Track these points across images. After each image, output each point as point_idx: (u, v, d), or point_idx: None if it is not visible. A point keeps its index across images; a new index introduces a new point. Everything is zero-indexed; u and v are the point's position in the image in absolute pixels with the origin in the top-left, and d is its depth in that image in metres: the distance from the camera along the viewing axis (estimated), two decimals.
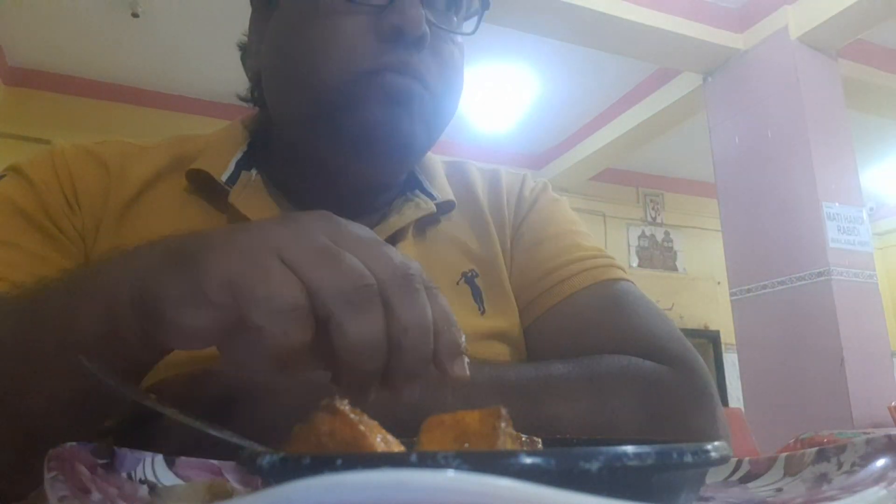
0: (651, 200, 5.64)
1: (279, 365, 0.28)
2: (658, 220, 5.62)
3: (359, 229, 0.31)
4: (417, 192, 0.63)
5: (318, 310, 0.28)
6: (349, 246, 0.30)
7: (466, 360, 0.31)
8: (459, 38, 0.59)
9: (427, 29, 0.53)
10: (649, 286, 5.27)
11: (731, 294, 3.31)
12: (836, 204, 2.99)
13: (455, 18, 0.58)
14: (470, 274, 0.61)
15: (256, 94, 0.64)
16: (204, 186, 0.58)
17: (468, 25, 0.61)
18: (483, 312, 0.60)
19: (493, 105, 4.32)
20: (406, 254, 0.32)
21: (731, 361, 5.00)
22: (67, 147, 0.60)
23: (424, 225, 0.63)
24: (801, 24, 3.15)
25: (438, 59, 0.56)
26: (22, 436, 0.37)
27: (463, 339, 0.31)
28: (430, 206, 0.62)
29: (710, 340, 5.37)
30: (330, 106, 0.54)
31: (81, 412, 0.37)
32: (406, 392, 0.30)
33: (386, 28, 0.52)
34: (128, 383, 0.30)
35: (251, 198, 0.57)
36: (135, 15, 3.31)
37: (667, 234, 5.65)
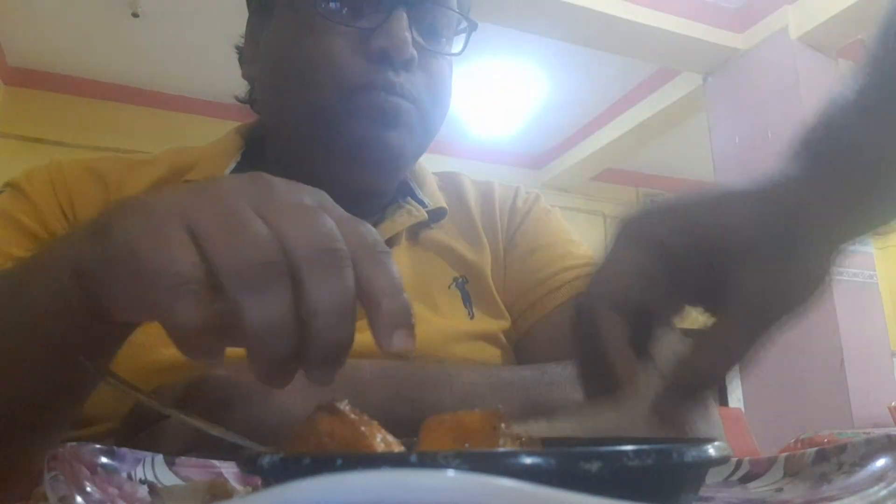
0: (651, 200, 5.64)
1: (180, 344, 0.26)
2: None
3: (292, 194, 0.28)
4: (409, 199, 0.65)
5: (216, 286, 0.25)
6: (270, 212, 0.27)
7: (408, 333, 0.27)
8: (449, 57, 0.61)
9: (414, 52, 0.54)
10: None
11: None
12: None
13: (444, 39, 0.60)
14: (461, 280, 0.63)
15: (253, 96, 0.65)
16: None
17: (458, 40, 0.62)
18: (472, 317, 0.61)
19: (492, 105, 4.32)
20: (387, 246, 0.29)
21: None
22: (65, 162, 0.61)
23: (417, 232, 0.64)
24: (801, 24, 3.15)
25: (427, 78, 0.57)
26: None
27: (409, 308, 0.28)
28: (422, 214, 0.63)
29: None
30: (319, 122, 0.56)
31: (50, 394, 0.37)
32: (319, 375, 0.27)
33: (374, 51, 0.54)
34: (127, 382, 0.30)
35: None
36: (135, 15, 3.30)
37: None
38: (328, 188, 0.59)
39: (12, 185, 0.58)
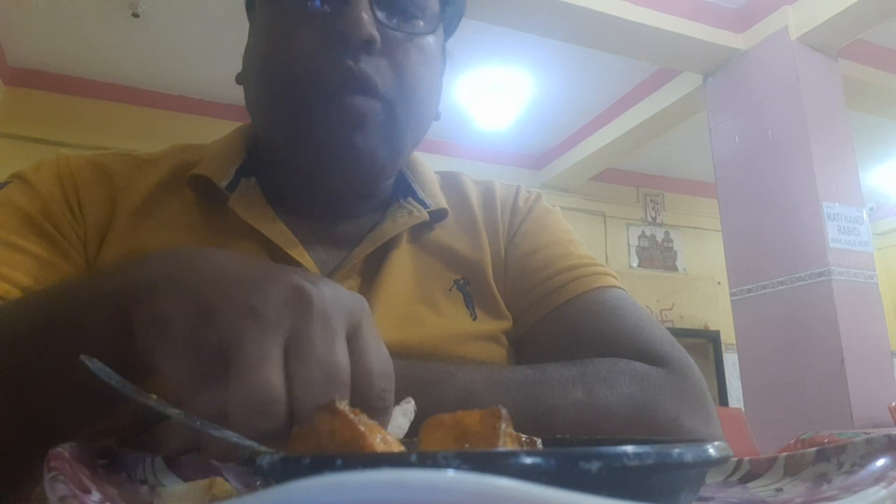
0: (651, 200, 5.64)
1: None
2: (658, 220, 5.62)
3: (320, 339, 0.30)
4: (411, 199, 0.64)
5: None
6: (297, 366, 0.29)
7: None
8: (430, 39, 0.58)
9: (374, 32, 0.52)
10: (649, 286, 5.28)
11: (731, 294, 3.31)
12: (836, 204, 2.99)
13: (419, 21, 0.57)
14: (462, 281, 0.62)
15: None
16: (206, 194, 0.59)
17: (440, 25, 0.60)
18: (475, 319, 0.61)
19: (493, 105, 4.32)
20: (361, 293, 0.33)
21: (731, 361, 5.00)
22: (73, 157, 0.61)
23: (418, 233, 0.63)
24: (801, 24, 3.15)
25: (394, 63, 0.55)
26: (26, 433, 0.37)
27: None
28: (424, 215, 0.62)
29: (710, 340, 5.37)
30: (286, 127, 0.55)
31: (87, 412, 0.37)
32: None
33: (333, 35, 0.52)
34: (129, 384, 0.30)
35: (250, 204, 0.58)
36: (135, 15, 3.31)
37: (667, 234, 5.65)
38: (316, 189, 0.59)
39: (20, 177, 0.58)
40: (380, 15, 0.54)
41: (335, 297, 0.31)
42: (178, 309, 0.30)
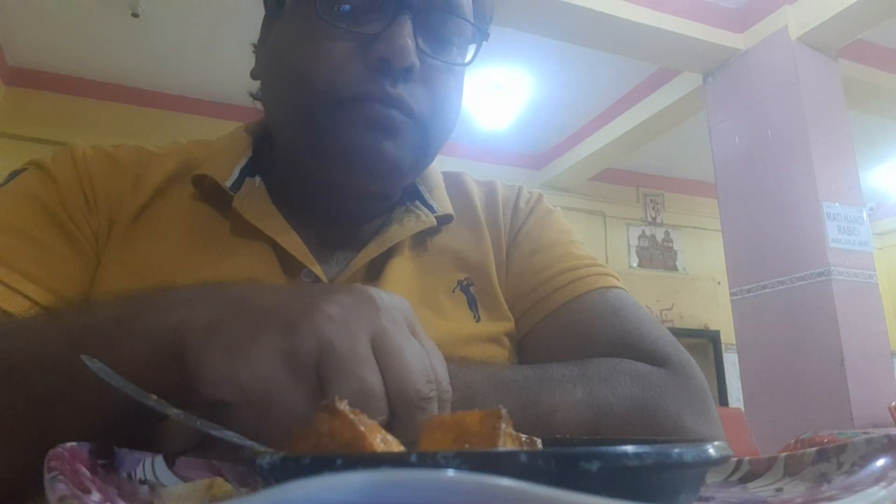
0: (651, 200, 5.64)
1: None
2: (658, 220, 5.63)
3: (398, 329, 0.33)
4: (418, 203, 0.64)
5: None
6: (384, 354, 0.32)
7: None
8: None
9: (416, 60, 0.52)
10: (649, 286, 5.28)
11: (731, 294, 3.31)
12: (836, 204, 2.99)
13: (453, 48, 0.58)
14: (465, 282, 0.62)
15: (260, 95, 0.65)
16: (210, 192, 0.59)
17: (470, 49, 0.60)
18: (478, 320, 0.61)
19: (494, 105, 4.32)
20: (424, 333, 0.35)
21: (731, 361, 5.01)
22: (88, 148, 0.61)
23: (422, 235, 0.63)
24: (801, 24, 3.15)
25: (429, 88, 0.55)
26: (44, 447, 0.37)
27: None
28: (431, 220, 0.62)
29: (710, 340, 5.37)
30: (313, 126, 0.54)
31: (111, 430, 0.37)
32: None
33: (373, 58, 0.52)
34: (130, 383, 0.30)
35: (254, 204, 0.58)
36: (135, 15, 3.31)
37: (667, 234, 5.65)
38: (329, 190, 0.59)
39: (37, 165, 0.58)
40: (420, 42, 0.54)
41: (389, 298, 0.35)
42: (260, 335, 0.32)
